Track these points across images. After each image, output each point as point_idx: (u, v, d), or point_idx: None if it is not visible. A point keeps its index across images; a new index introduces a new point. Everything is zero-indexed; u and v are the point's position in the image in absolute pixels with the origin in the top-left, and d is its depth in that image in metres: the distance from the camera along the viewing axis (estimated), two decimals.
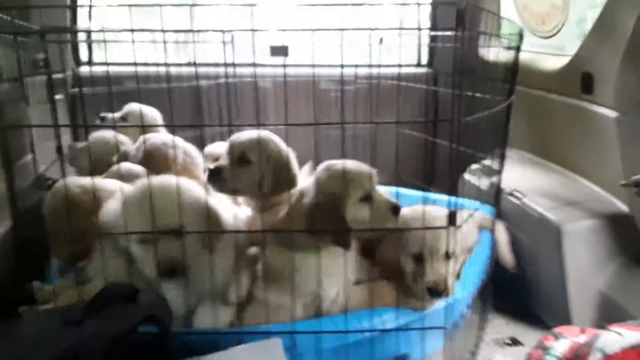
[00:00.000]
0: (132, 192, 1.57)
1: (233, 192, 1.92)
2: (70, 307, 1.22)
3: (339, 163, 1.71)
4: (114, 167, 2.11)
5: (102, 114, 2.63)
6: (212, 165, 1.89)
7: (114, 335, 1.14)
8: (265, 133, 1.92)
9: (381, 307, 1.67)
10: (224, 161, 1.88)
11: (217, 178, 1.84)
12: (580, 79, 2.43)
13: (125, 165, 2.10)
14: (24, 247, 1.63)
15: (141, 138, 2.27)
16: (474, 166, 2.70)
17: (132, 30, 1.43)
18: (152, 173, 1.86)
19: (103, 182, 1.86)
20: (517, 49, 2.16)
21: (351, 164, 1.72)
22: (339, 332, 1.57)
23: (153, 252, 1.47)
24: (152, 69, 2.49)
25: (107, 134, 2.45)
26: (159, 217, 1.46)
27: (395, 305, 1.67)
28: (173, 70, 2.83)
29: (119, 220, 1.51)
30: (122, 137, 2.47)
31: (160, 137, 2.30)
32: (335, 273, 1.68)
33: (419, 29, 3.27)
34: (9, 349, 1.04)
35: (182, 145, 2.26)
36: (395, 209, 1.67)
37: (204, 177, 1.99)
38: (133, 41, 1.48)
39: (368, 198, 1.68)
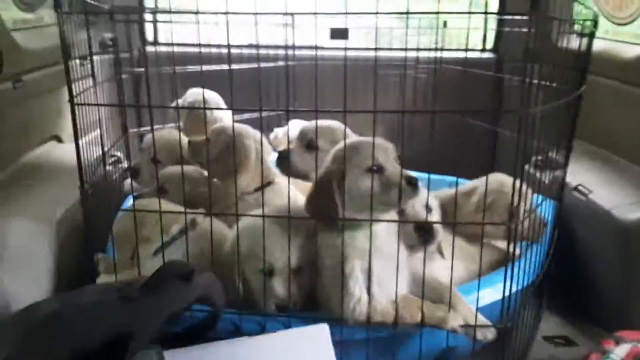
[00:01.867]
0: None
1: (298, 175, 2.05)
2: (128, 283, 1.27)
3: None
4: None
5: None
6: (281, 148, 2.10)
7: (168, 313, 1.19)
8: (335, 122, 2.03)
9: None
10: (293, 145, 2.06)
11: (284, 161, 2.03)
12: None
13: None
14: (89, 219, 1.70)
15: (213, 129, 2.30)
16: (537, 158, 2.60)
17: (197, 13, 1.46)
18: (226, 167, 2.01)
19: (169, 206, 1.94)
20: (591, 35, 2.04)
21: (361, 138, 1.73)
22: (386, 324, 1.56)
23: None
24: (214, 50, 2.54)
25: (171, 134, 2.48)
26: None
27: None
28: (234, 51, 2.86)
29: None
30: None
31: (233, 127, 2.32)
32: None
33: (489, 12, 3.14)
34: (69, 320, 1.10)
35: (252, 134, 2.27)
36: (410, 179, 1.57)
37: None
38: (198, 20, 1.52)
39: (379, 170, 1.61)
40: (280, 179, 2.19)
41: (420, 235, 1.74)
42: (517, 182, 1.55)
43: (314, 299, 1.70)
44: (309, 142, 2.02)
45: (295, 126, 2.73)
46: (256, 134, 2.33)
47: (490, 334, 1.60)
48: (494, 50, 3.40)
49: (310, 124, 2.08)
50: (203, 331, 1.40)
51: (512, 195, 1.70)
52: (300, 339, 1.39)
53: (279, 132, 2.91)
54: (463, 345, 1.70)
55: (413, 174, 1.60)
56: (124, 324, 1.09)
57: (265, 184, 2.06)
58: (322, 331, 1.41)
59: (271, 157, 2.30)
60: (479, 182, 2.17)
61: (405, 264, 1.67)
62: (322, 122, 2.03)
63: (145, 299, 1.17)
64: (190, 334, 1.35)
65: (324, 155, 1.84)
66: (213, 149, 2.12)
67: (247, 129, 2.25)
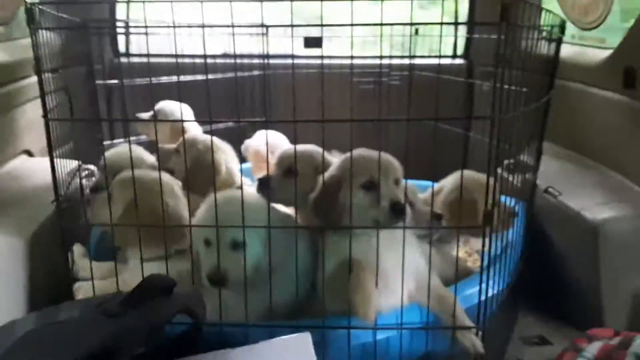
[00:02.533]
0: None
1: (280, 202, 1.97)
2: (109, 297, 1.26)
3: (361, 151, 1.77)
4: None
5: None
6: (261, 175, 1.99)
7: (151, 327, 1.18)
8: (313, 147, 1.98)
9: None
10: (273, 172, 1.97)
11: (265, 188, 1.92)
12: (622, 73, 2.36)
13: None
14: (64, 234, 1.68)
15: (181, 139, 2.32)
16: (508, 161, 2.65)
17: (175, 27, 1.46)
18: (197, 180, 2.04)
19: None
20: (559, 41, 2.10)
21: (369, 152, 1.76)
22: (367, 328, 1.58)
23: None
24: (187, 61, 2.53)
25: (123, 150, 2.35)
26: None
27: None
28: (208, 62, 2.86)
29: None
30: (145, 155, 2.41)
31: (201, 140, 2.35)
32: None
33: (461, 23, 3.20)
34: (49, 339, 1.08)
35: (222, 147, 2.34)
36: (395, 206, 1.62)
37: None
38: (175, 32, 1.52)
39: (372, 187, 1.66)
40: (248, 188, 2.20)
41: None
42: (491, 185, 1.59)
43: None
44: (288, 168, 1.94)
45: (263, 137, 2.75)
46: (224, 145, 2.37)
47: (478, 343, 1.62)
48: (464, 56, 3.47)
49: (288, 149, 2.02)
50: (186, 344, 1.40)
51: (486, 199, 1.74)
52: (283, 348, 1.39)
53: (249, 143, 2.89)
54: (442, 349, 1.72)
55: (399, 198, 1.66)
56: (107, 340, 1.08)
57: None
58: (304, 339, 1.41)
59: (238, 167, 2.36)
60: (445, 182, 2.24)
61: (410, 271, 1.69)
62: (300, 147, 1.94)
63: (128, 314, 1.16)
64: (173, 347, 1.34)
65: (304, 180, 1.85)
66: (182, 161, 2.10)
67: (216, 141, 2.25)
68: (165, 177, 1.96)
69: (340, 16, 1.64)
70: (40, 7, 1.60)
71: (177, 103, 2.68)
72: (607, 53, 2.49)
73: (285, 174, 1.94)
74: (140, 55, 3.22)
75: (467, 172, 2.13)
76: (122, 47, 3.37)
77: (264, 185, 1.93)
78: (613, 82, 2.42)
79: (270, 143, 2.65)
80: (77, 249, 2.11)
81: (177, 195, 1.97)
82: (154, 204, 1.72)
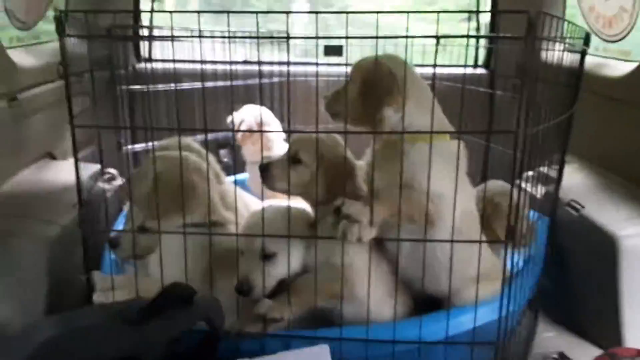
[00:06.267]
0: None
1: (283, 190, 1.88)
2: (129, 304, 1.27)
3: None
4: None
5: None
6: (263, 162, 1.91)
7: (172, 336, 1.18)
8: (325, 135, 1.89)
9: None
10: (278, 159, 1.91)
11: (266, 174, 1.86)
12: None
13: None
14: (87, 239, 1.70)
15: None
16: (529, 173, 2.62)
17: (200, 37, 1.48)
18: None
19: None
20: (583, 53, 2.08)
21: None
22: (386, 341, 1.57)
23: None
24: (209, 67, 2.54)
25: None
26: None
27: None
28: (226, 68, 2.88)
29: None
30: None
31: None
32: None
33: (486, 36, 3.17)
34: (71, 345, 1.09)
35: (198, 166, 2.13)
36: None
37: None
38: (201, 41, 1.54)
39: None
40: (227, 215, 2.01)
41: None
42: (515, 200, 1.57)
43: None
44: (293, 155, 1.86)
45: (249, 111, 2.76)
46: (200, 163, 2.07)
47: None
48: (485, 65, 3.44)
49: (298, 137, 1.93)
50: (203, 352, 1.40)
51: (509, 213, 1.72)
52: None
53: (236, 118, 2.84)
54: None
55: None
56: (130, 348, 1.08)
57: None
58: (322, 351, 1.41)
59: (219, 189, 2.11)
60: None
61: None
62: (307, 135, 1.89)
63: (149, 323, 1.17)
64: (191, 356, 1.35)
65: (305, 169, 1.83)
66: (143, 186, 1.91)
67: (189, 159, 1.99)
68: (196, 158, 1.99)
69: (356, 18, 1.65)
70: (67, 14, 1.62)
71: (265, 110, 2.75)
72: (632, 66, 2.45)
73: (290, 160, 1.86)
74: (164, 61, 3.24)
75: (499, 183, 2.12)
76: (145, 53, 3.41)
77: (264, 170, 1.86)
78: (638, 96, 2.38)
79: (259, 120, 2.71)
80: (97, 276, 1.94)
81: (203, 174, 1.93)
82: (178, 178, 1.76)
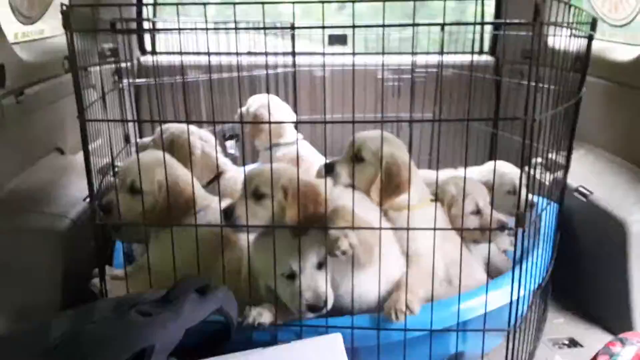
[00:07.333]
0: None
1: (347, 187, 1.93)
2: (143, 296, 1.28)
3: None
4: None
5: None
6: (328, 160, 1.99)
7: (187, 327, 1.19)
8: (386, 134, 1.95)
9: None
10: (339, 157, 1.98)
11: (330, 173, 1.92)
12: None
13: None
14: (99, 234, 1.70)
15: (158, 129, 2.39)
16: (537, 160, 2.62)
17: (207, 29, 1.47)
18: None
19: None
20: (590, 38, 2.06)
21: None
22: (397, 329, 1.58)
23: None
24: (214, 59, 2.53)
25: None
26: None
27: None
28: (229, 60, 2.87)
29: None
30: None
31: (176, 126, 2.40)
32: None
33: (492, 22, 3.16)
34: (87, 340, 1.10)
35: (197, 132, 2.42)
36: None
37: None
38: (207, 32, 1.53)
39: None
40: (231, 168, 2.38)
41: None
42: (524, 189, 1.57)
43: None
44: (355, 153, 1.91)
45: (256, 101, 2.77)
46: (204, 133, 2.46)
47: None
48: (491, 52, 3.42)
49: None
50: (217, 343, 1.41)
51: (519, 200, 1.72)
52: (314, 349, 1.40)
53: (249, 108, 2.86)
54: (472, 350, 1.71)
55: None
56: (145, 339, 1.09)
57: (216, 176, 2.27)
58: (335, 340, 1.42)
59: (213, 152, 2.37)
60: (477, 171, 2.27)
61: None
62: (370, 133, 1.96)
63: (164, 314, 1.18)
64: (205, 346, 1.36)
65: (369, 167, 1.89)
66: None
67: (193, 128, 2.36)
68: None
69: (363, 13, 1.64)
70: (74, 8, 1.62)
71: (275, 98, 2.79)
72: (639, 51, 2.43)
73: (353, 159, 1.90)
74: (168, 54, 3.24)
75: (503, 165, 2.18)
76: (148, 46, 3.40)
77: (329, 169, 1.93)
78: None
79: (259, 111, 2.74)
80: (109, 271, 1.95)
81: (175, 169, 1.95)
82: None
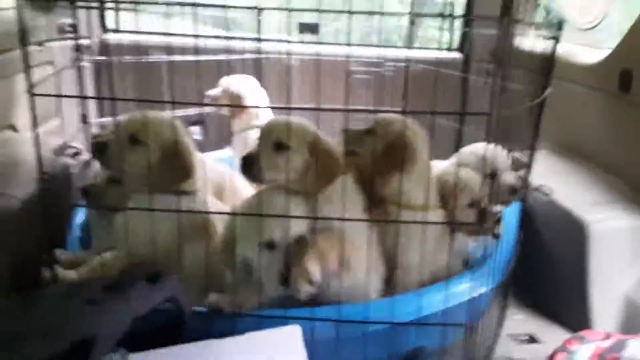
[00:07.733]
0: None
1: (271, 182, 1.70)
2: (91, 283, 1.22)
3: None
4: None
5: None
6: (244, 154, 1.70)
7: (135, 316, 1.14)
8: (300, 119, 1.75)
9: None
10: (256, 149, 1.69)
11: (251, 168, 1.65)
12: (618, 75, 2.35)
13: None
14: (48, 213, 1.62)
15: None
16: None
17: (167, 4, 1.41)
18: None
19: None
20: (556, 39, 2.08)
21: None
22: (357, 322, 1.56)
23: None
24: (177, 40, 2.45)
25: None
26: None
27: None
28: (195, 42, 2.79)
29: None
30: None
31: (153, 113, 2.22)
32: None
33: (460, 16, 3.17)
34: (31, 323, 1.03)
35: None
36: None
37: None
38: (168, 12, 1.47)
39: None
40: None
41: None
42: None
43: None
44: (276, 142, 1.66)
45: (236, 81, 2.72)
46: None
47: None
48: (460, 49, 3.44)
49: (274, 120, 1.75)
50: (170, 333, 1.36)
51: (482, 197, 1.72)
52: (272, 341, 1.36)
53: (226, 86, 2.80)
54: (432, 344, 1.71)
55: None
56: (86, 329, 1.03)
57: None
58: (294, 332, 1.39)
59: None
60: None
61: None
62: (285, 118, 1.72)
63: (112, 302, 1.12)
64: (158, 336, 1.31)
65: (294, 156, 1.65)
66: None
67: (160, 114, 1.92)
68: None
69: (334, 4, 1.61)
70: None
71: (244, 77, 2.71)
72: (604, 54, 2.47)
73: (274, 148, 1.66)
74: (130, 32, 3.13)
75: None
76: (110, 24, 3.28)
77: (249, 163, 1.65)
78: (608, 84, 2.41)
79: (242, 91, 2.68)
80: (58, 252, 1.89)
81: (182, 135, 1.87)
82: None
